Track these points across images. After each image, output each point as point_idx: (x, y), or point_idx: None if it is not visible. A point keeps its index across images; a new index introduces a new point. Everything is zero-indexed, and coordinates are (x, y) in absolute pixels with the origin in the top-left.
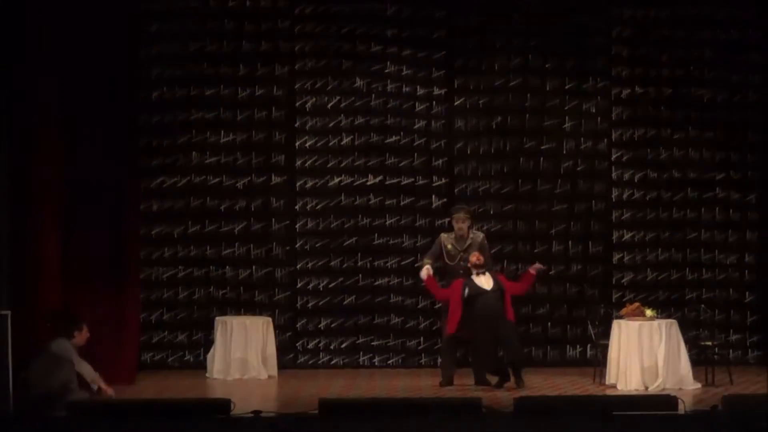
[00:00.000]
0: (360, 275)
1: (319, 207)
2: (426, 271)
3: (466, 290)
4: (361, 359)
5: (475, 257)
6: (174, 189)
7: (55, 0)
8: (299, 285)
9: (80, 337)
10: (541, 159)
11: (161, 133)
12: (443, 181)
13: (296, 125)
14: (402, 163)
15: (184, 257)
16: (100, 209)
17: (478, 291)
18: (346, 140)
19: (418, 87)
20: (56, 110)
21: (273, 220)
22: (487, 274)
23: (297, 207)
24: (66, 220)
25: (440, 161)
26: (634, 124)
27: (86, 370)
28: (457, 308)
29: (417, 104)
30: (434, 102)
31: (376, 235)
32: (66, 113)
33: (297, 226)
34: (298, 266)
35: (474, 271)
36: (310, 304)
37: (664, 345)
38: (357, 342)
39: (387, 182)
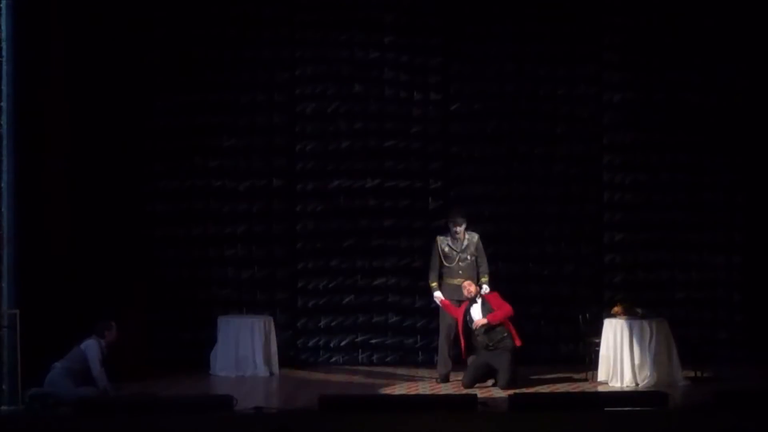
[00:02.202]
0: (359, 275)
1: (319, 209)
2: (438, 299)
3: (467, 318)
4: (359, 357)
5: (466, 290)
6: (178, 191)
7: None
8: (299, 285)
9: (110, 335)
10: (534, 162)
11: (166, 136)
12: (439, 183)
13: (296, 130)
14: (399, 166)
15: (188, 258)
16: (107, 210)
17: (472, 324)
18: (344, 144)
19: (415, 92)
20: (64, 108)
21: (273, 222)
22: (478, 302)
23: (297, 209)
24: (73, 221)
25: (436, 164)
26: (624, 128)
27: (101, 377)
28: (461, 335)
29: (414, 109)
30: (430, 107)
31: (374, 236)
32: (74, 113)
33: (297, 227)
34: (298, 267)
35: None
36: (310, 304)
37: (655, 342)
38: (356, 340)
39: (385, 185)
